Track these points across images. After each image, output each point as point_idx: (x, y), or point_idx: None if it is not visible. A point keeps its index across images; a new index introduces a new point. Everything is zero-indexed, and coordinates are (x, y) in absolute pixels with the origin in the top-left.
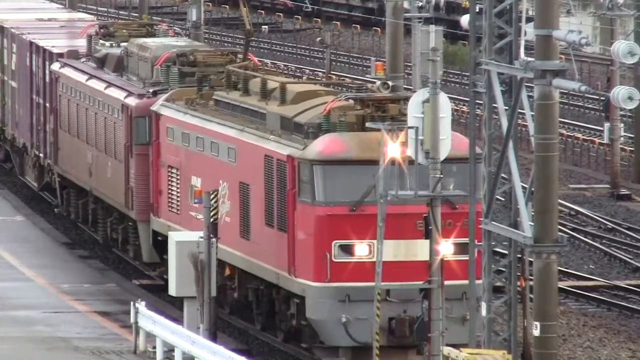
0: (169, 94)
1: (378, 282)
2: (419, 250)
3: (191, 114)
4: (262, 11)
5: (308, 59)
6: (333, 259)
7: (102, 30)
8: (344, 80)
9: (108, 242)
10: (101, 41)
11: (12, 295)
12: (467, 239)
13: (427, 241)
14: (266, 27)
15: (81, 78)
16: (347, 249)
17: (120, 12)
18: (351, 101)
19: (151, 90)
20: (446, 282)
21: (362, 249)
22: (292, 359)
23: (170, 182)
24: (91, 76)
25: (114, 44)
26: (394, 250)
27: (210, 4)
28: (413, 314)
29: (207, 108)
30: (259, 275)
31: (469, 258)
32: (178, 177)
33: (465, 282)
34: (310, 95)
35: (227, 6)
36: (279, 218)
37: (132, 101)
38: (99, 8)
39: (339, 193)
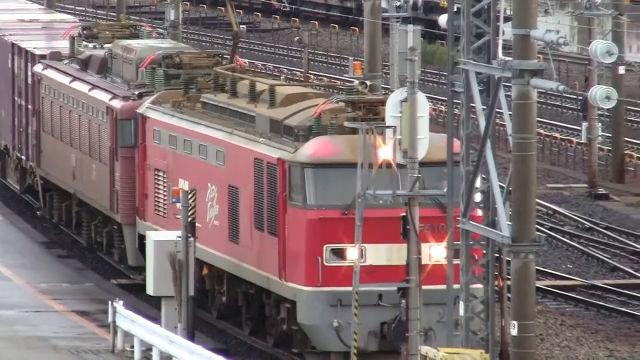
0: (155, 96)
1: (356, 283)
2: None
3: (178, 117)
4: (240, 10)
5: (286, 58)
6: (325, 263)
7: (85, 32)
8: (322, 80)
9: (92, 245)
10: (84, 43)
11: None
12: (459, 242)
13: (420, 245)
14: (244, 26)
15: (64, 80)
16: (339, 253)
17: (99, 11)
18: (342, 103)
19: (136, 93)
20: (438, 287)
21: (354, 253)
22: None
23: (156, 185)
24: (75, 78)
25: (97, 46)
26: (386, 254)
27: (188, 3)
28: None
29: (194, 110)
30: (248, 280)
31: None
32: (165, 180)
33: (458, 286)
34: (300, 98)
35: (204, 5)
36: (269, 221)
37: (117, 103)
38: (76, 7)
39: (330, 196)
